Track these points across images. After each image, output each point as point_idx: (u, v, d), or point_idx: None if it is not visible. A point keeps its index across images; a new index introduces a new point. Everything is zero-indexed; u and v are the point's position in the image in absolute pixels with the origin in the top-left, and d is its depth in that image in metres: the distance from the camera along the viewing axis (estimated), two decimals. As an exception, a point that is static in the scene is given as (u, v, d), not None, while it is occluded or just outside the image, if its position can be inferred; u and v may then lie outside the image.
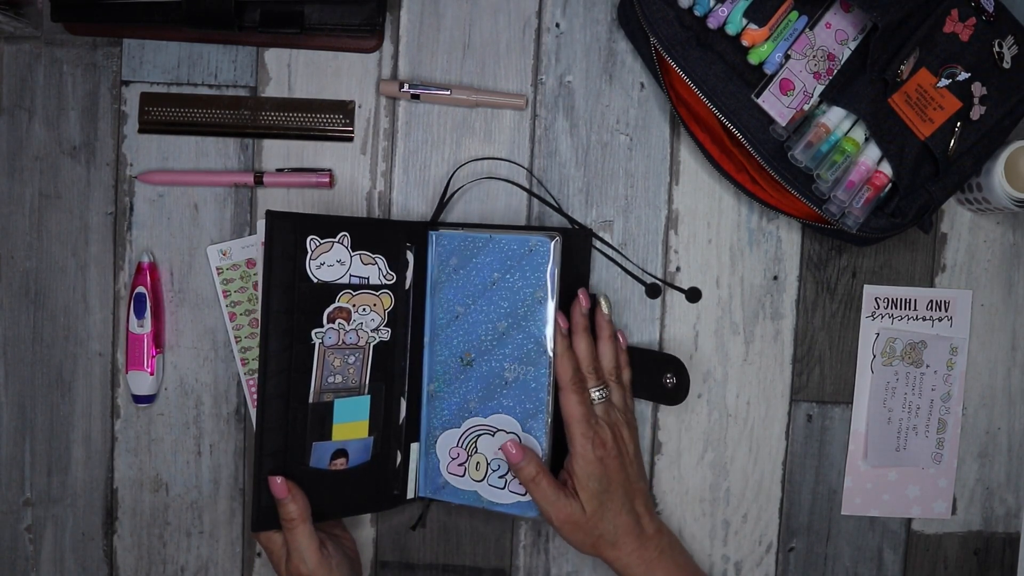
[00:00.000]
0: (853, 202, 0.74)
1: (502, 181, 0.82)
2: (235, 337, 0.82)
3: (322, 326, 0.74)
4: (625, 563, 0.75)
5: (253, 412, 0.82)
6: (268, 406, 0.72)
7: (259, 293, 0.81)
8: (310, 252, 0.73)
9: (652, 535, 0.76)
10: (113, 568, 0.84)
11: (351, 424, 0.76)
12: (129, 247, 0.83)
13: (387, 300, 0.76)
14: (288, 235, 0.72)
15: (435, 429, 0.79)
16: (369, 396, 0.76)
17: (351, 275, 0.74)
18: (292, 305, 0.72)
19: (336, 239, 0.74)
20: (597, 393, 0.76)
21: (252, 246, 0.82)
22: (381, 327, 0.76)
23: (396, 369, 0.77)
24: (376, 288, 0.76)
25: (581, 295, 0.77)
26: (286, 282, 0.72)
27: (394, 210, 0.83)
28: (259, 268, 0.81)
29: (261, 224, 0.81)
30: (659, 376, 0.81)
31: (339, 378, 0.75)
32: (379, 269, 0.76)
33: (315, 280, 0.73)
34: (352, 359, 0.75)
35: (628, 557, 0.75)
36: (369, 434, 0.76)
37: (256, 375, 0.82)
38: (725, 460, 0.84)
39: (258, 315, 0.82)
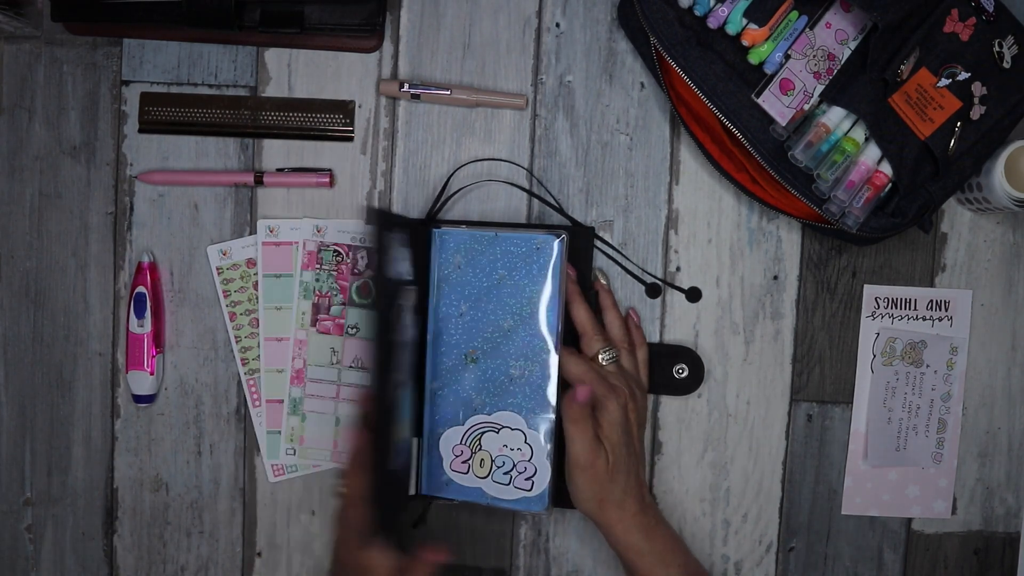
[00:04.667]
0: (853, 202, 0.74)
1: (503, 182, 0.82)
2: (235, 337, 0.82)
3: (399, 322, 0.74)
4: (626, 527, 0.74)
5: (253, 412, 0.82)
6: (383, 415, 0.71)
7: (259, 293, 0.81)
8: (393, 248, 0.74)
9: (650, 503, 0.76)
10: (113, 568, 0.84)
11: (404, 422, 0.76)
12: (129, 247, 0.83)
13: (415, 296, 0.78)
14: (385, 233, 0.72)
15: (437, 426, 0.79)
16: (410, 392, 0.77)
17: (406, 272, 0.77)
18: (386, 303, 0.72)
19: (402, 234, 0.76)
20: (605, 355, 0.76)
21: (252, 246, 0.82)
22: (413, 323, 0.77)
23: (417, 366, 0.79)
24: (411, 284, 0.77)
25: (572, 270, 0.78)
26: (382, 282, 0.72)
27: (394, 210, 0.83)
28: (259, 268, 0.82)
29: (261, 224, 0.81)
30: (669, 368, 0.82)
31: (401, 375, 0.75)
32: (410, 265, 0.78)
33: (394, 277, 0.74)
34: (405, 356, 0.76)
35: (631, 520, 0.74)
36: (412, 434, 0.78)
37: (256, 375, 0.82)
38: (725, 460, 0.84)
39: (258, 315, 0.82)
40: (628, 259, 0.83)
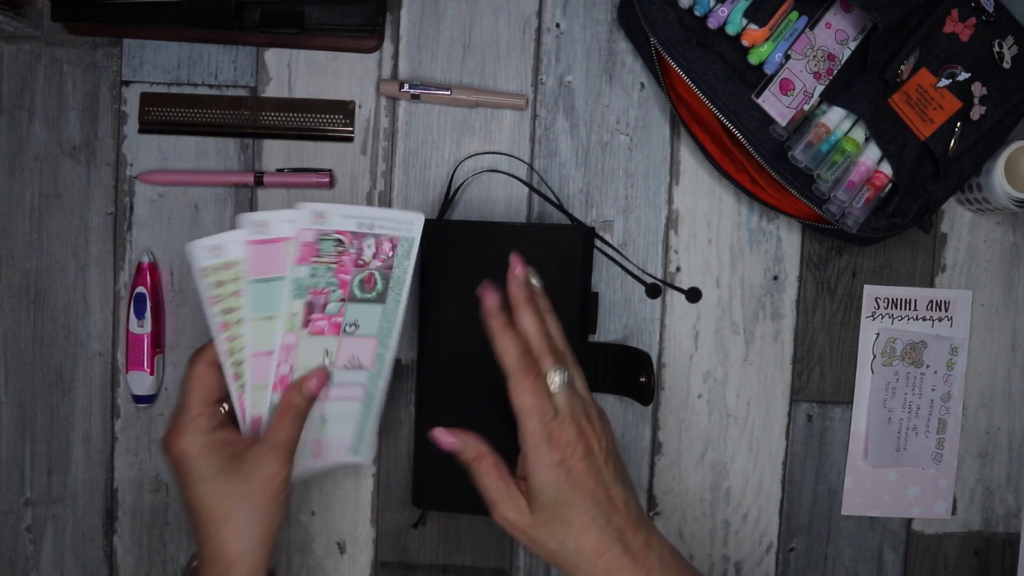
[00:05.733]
0: (853, 202, 0.74)
1: (503, 181, 0.82)
2: (228, 351, 0.67)
3: None
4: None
5: (243, 425, 0.68)
6: None
7: (245, 303, 0.68)
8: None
9: (638, 552, 0.61)
10: (113, 568, 0.84)
11: None
12: (129, 247, 0.83)
13: None
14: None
15: None
16: None
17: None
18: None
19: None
20: (559, 376, 0.62)
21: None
22: None
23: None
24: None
25: (516, 263, 0.64)
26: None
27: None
28: (244, 272, 0.68)
29: (245, 219, 0.67)
30: (635, 375, 0.79)
31: None
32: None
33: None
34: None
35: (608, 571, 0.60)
36: None
37: (248, 392, 0.69)
38: (725, 460, 0.84)
39: (258, 325, 0.69)
40: (628, 259, 0.83)
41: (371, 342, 0.72)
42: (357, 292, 0.71)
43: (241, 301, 0.67)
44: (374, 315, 0.72)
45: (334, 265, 0.70)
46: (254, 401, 0.69)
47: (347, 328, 0.71)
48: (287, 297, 0.69)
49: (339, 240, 0.70)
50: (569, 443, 0.60)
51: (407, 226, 0.71)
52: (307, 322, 0.70)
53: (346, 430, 0.72)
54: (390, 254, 0.71)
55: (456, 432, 0.63)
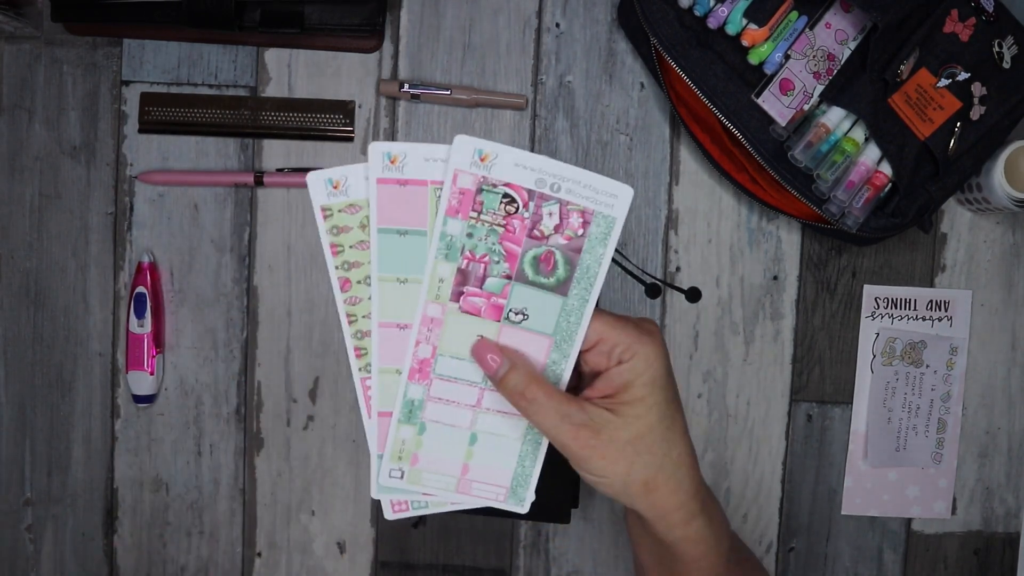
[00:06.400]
0: (853, 202, 0.74)
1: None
2: (348, 316, 0.53)
3: None
4: (690, 511, 0.52)
5: (366, 424, 0.55)
6: None
7: (372, 257, 0.53)
8: None
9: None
10: (113, 568, 0.84)
11: None
12: (129, 247, 0.83)
13: None
14: None
15: None
16: None
17: None
18: None
19: None
20: None
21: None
22: None
23: None
24: None
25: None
26: None
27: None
28: (372, 218, 0.52)
29: (376, 149, 0.52)
30: None
31: None
32: None
33: None
34: None
35: (694, 497, 0.52)
36: None
37: (375, 376, 0.55)
38: (725, 460, 0.84)
39: (387, 287, 0.54)
40: (628, 259, 0.83)
41: (544, 342, 0.54)
42: (529, 272, 0.53)
43: (366, 255, 0.53)
44: (551, 308, 0.54)
45: (500, 228, 0.53)
46: (383, 390, 0.54)
47: (511, 315, 0.54)
48: (434, 256, 0.53)
49: (509, 196, 0.53)
50: (656, 330, 0.53)
51: (608, 199, 0.53)
52: (458, 295, 0.53)
53: (502, 461, 0.55)
54: (580, 232, 0.53)
55: (503, 352, 0.52)
